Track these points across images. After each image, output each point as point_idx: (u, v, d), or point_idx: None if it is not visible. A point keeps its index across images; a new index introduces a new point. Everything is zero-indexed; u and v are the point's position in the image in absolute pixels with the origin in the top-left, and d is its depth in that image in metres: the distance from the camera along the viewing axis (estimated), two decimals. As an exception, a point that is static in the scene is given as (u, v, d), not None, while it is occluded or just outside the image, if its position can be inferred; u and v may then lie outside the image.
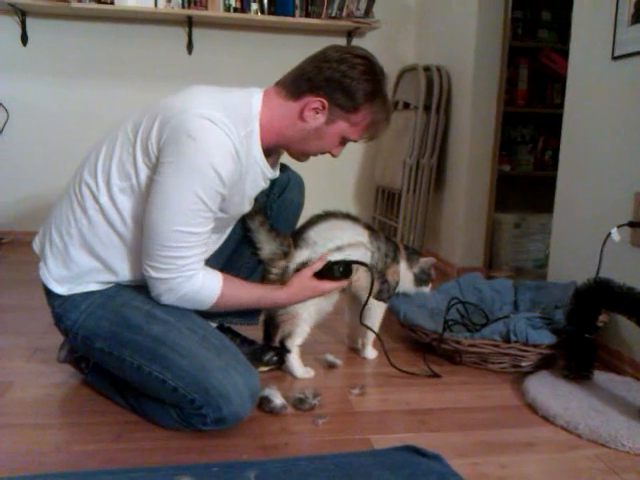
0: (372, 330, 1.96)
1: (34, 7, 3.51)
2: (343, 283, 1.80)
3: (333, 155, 1.65)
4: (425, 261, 2.02)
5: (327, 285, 1.77)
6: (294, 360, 1.87)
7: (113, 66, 3.76)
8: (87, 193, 1.51)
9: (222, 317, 1.88)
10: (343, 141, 1.61)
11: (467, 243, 3.33)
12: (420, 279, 2.02)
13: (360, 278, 1.89)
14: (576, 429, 1.57)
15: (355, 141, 1.63)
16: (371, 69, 1.53)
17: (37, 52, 3.68)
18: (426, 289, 2.06)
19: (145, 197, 1.47)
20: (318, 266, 1.75)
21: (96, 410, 1.61)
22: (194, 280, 1.49)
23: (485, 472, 1.38)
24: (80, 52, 3.71)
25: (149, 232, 1.45)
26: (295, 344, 1.86)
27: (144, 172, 1.45)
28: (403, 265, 1.99)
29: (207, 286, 1.52)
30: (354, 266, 1.83)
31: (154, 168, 1.44)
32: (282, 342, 1.88)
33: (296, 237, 1.84)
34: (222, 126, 1.40)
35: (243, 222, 1.77)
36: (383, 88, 1.56)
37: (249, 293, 1.67)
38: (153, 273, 1.47)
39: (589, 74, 2.29)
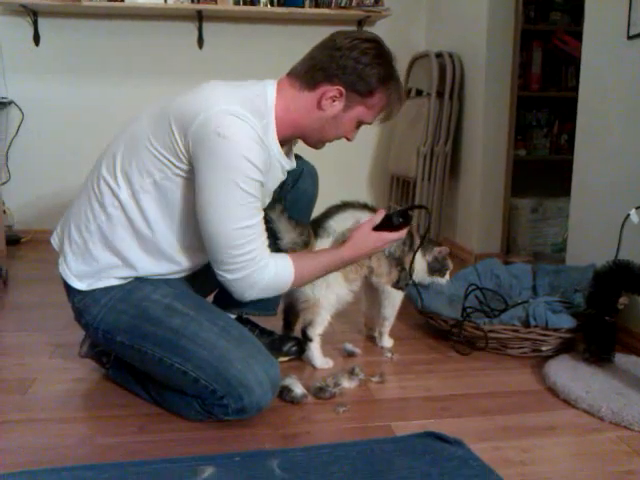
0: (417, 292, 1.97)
1: (46, 7, 3.53)
2: (403, 232, 1.76)
3: (349, 139, 1.66)
4: (439, 250, 2.01)
5: (389, 235, 1.72)
6: (315, 350, 1.87)
7: (125, 63, 3.77)
8: (106, 190, 1.52)
9: (240, 308, 1.89)
10: (359, 125, 1.63)
11: (484, 229, 3.31)
12: (433, 268, 2.01)
13: (381, 265, 1.89)
14: (598, 412, 1.56)
15: (370, 123, 1.64)
16: (382, 52, 1.55)
17: (50, 52, 3.70)
18: (442, 280, 2.04)
19: (169, 194, 1.49)
20: (377, 219, 1.72)
21: (118, 403, 1.63)
22: (269, 268, 1.51)
23: (507, 456, 1.38)
24: (92, 50, 3.73)
25: (211, 240, 1.47)
26: (316, 333, 1.86)
27: (171, 170, 1.47)
28: (418, 253, 1.99)
29: (281, 270, 1.55)
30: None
31: (188, 170, 1.46)
32: (303, 331, 1.88)
33: (316, 227, 1.84)
34: (245, 119, 1.42)
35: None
36: (395, 69, 1.59)
37: (317, 262, 1.68)
38: (230, 276, 1.50)
39: (604, 55, 2.26)
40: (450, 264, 2.06)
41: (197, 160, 1.42)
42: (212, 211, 1.44)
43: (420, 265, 2.00)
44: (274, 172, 1.61)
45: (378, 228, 1.72)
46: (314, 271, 1.67)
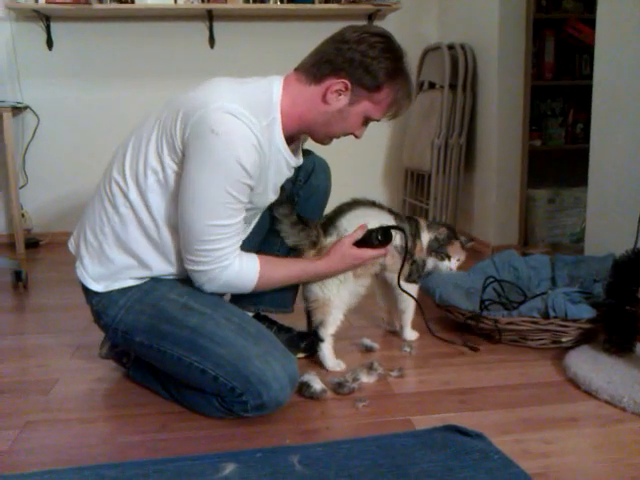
0: (412, 296, 1.97)
1: (57, 11, 3.56)
2: (383, 250, 1.76)
3: (356, 136, 1.64)
4: (441, 231, 1.99)
5: (368, 253, 1.73)
6: (327, 350, 1.83)
7: (138, 64, 3.79)
8: (117, 191, 1.53)
9: (257, 305, 1.89)
10: (366, 121, 1.61)
11: (501, 221, 3.29)
12: (431, 247, 1.98)
13: (395, 261, 1.88)
14: (620, 402, 1.54)
15: (378, 120, 1.62)
16: (390, 47, 1.53)
17: (63, 56, 3.73)
18: (441, 264, 1.99)
19: (172, 192, 1.50)
20: (358, 234, 1.73)
21: (139, 402, 1.64)
22: (231, 268, 1.52)
23: (528, 448, 1.37)
24: (104, 52, 3.75)
25: (184, 229, 1.48)
26: (328, 333, 1.82)
27: (171, 167, 1.48)
28: (425, 237, 1.98)
29: (245, 271, 1.55)
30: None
31: (181, 164, 1.46)
32: (315, 331, 1.84)
33: (327, 225, 1.82)
34: (243, 118, 1.41)
35: (271, 211, 1.78)
36: (404, 65, 1.56)
37: (288, 270, 1.69)
38: (193, 266, 1.51)
39: (618, 42, 2.24)
40: (457, 253, 2.01)
41: (188, 151, 1.43)
42: (191, 203, 1.45)
43: (425, 244, 1.99)
44: (278, 168, 1.61)
45: (359, 243, 1.72)
46: (282, 279, 1.69)
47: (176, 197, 1.49)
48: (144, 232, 1.53)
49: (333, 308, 1.81)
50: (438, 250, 1.99)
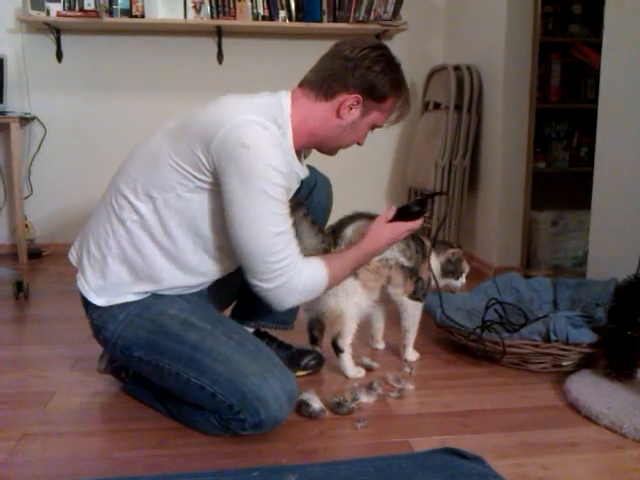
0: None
1: (68, 24, 3.59)
2: (419, 222, 1.78)
3: (360, 144, 1.72)
4: (453, 252, 2.01)
5: (405, 224, 1.76)
6: (347, 360, 1.88)
7: (146, 79, 3.82)
8: (126, 204, 1.53)
9: (257, 321, 1.89)
10: (372, 129, 1.70)
11: (503, 243, 3.29)
12: (446, 270, 2.01)
13: (397, 275, 1.89)
14: (621, 429, 1.53)
15: (382, 126, 1.71)
16: (390, 58, 1.63)
17: (72, 68, 3.76)
18: (456, 283, 2.04)
19: (192, 207, 1.50)
20: (390, 214, 1.75)
21: (138, 417, 1.63)
22: (303, 273, 1.53)
23: (527, 473, 1.36)
24: (113, 66, 3.78)
25: (246, 251, 1.48)
26: (346, 343, 1.87)
27: (193, 184, 1.48)
28: (433, 257, 2.00)
29: (317, 271, 1.58)
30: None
31: (210, 182, 1.47)
32: (334, 343, 1.88)
33: (334, 236, 1.85)
34: (266, 126, 1.45)
35: None
36: (402, 73, 1.67)
37: (345, 259, 1.70)
38: (267, 285, 1.50)
39: (623, 66, 2.25)
40: (466, 267, 2.05)
41: (224, 174, 1.43)
42: (246, 224, 1.45)
43: (434, 267, 2.01)
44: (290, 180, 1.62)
45: (393, 221, 1.76)
46: (345, 268, 1.70)
47: (197, 213, 1.51)
48: (156, 246, 1.53)
49: (347, 318, 1.85)
50: (455, 271, 2.02)
